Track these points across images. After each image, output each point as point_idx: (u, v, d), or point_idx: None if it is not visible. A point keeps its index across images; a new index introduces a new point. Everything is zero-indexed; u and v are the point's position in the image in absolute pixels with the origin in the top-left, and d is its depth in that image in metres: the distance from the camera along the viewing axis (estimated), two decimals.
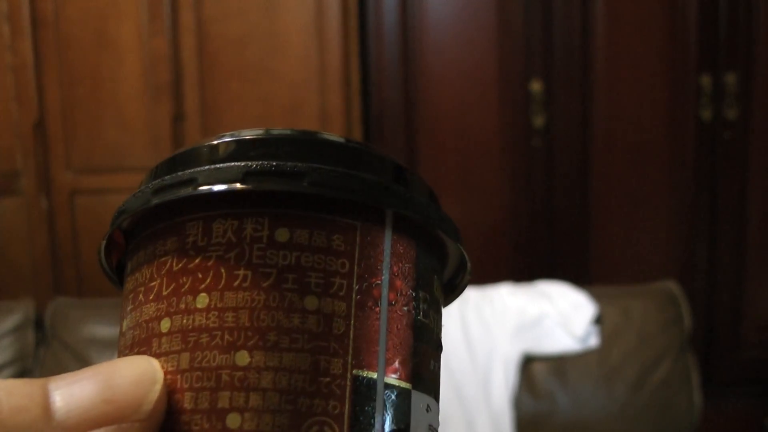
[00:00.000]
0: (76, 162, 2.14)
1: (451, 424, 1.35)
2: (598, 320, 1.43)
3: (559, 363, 1.41)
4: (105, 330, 1.47)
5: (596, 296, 1.46)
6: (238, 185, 0.19)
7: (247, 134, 0.21)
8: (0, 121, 2.13)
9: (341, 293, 0.19)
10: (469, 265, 0.23)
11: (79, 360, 1.44)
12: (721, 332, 2.20)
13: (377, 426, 0.19)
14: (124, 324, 0.22)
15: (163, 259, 0.21)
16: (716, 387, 2.09)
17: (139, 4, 2.08)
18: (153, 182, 0.21)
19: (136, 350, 0.21)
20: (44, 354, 1.48)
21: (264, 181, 0.19)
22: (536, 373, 1.41)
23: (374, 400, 0.19)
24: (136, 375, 0.19)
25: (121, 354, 0.21)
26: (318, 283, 0.19)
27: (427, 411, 0.21)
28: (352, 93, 2.12)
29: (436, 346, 0.22)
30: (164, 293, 0.20)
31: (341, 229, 0.20)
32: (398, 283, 0.20)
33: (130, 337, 0.21)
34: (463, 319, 1.43)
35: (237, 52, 2.10)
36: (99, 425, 0.18)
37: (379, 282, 0.20)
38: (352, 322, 0.19)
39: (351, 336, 0.19)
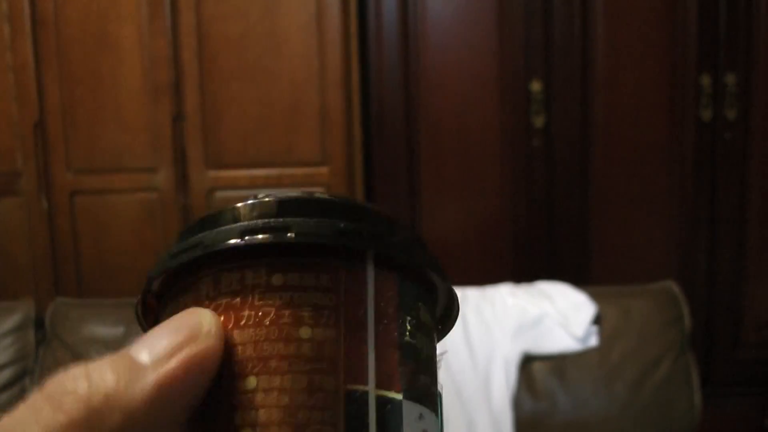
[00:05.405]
0: (76, 162, 2.14)
1: (451, 424, 1.35)
2: (598, 320, 1.43)
3: (559, 363, 1.41)
4: (105, 330, 1.47)
5: (596, 296, 1.46)
6: (234, 242, 0.23)
7: (250, 200, 0.25)
8: (0, 121, 2.13)
9: (330, 323, 0.23)
10: (456, 298, 0.27)
11: (79, 360, 1.44)
12: (721, 332, 2.20)
13: (371, 430, 0.22)
14: None
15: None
16: (716, 387, 2.09)
17: (139, 4, 2.08)
18: (171, 248, 0.24)
19: None
20: (44, 354, 1.48)
21: (256, 237, 0.23)
22: (536, 373, 1.41)
23: (367, 409, 0.22)
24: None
25: None
26: (310, 316, 0.23)
27: (420, 418, 0.24)
28: (352, 93, 2.12)
29: (426, 363, 0.25)
30: None
31: (327, 269, 0.23)
32: (382, 310, 0.24)
33: None
34: (464, 319, 1.43)
35: (237, 52, 2.10)
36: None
37: (363, 311, 0.23)
38: (342, 345, 0.23)
39: (342, 357, 0.23)
